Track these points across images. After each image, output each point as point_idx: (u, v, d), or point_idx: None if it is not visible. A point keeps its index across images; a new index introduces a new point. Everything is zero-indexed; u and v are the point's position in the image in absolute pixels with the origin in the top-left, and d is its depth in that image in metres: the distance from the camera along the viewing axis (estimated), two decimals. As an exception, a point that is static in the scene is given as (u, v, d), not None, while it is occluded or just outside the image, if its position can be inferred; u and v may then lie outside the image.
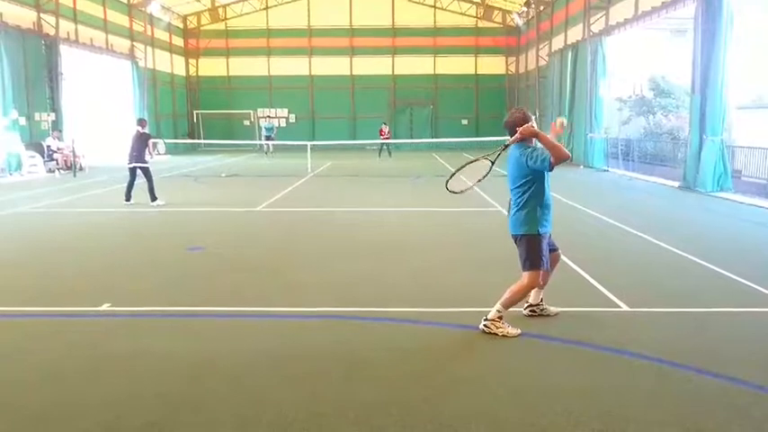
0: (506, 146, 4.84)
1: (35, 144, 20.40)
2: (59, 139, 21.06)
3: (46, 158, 20.43)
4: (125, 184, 12.79)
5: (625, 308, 5.57)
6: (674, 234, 9.04)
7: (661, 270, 7.06)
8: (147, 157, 12.67)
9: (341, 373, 4.21)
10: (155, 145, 12.42)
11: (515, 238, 4.94)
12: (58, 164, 20.41)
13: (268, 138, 29.55)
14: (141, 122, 12.93)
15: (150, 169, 12.74)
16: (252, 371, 4.27)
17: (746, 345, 4.74)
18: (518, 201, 4.87)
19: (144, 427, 3.44)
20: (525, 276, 4.86)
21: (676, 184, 15.56)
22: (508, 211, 5.06)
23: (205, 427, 3.45)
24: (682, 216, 11.38)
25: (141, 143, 12.58)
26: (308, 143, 22.90)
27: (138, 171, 12.58)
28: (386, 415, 3.56)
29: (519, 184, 4.83)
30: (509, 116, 4.90)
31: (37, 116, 21.16)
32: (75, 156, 19.77)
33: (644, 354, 4.46)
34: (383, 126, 27.98)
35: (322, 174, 19.98)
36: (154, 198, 12.45)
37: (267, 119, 31.16)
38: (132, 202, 12.52)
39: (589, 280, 6.49)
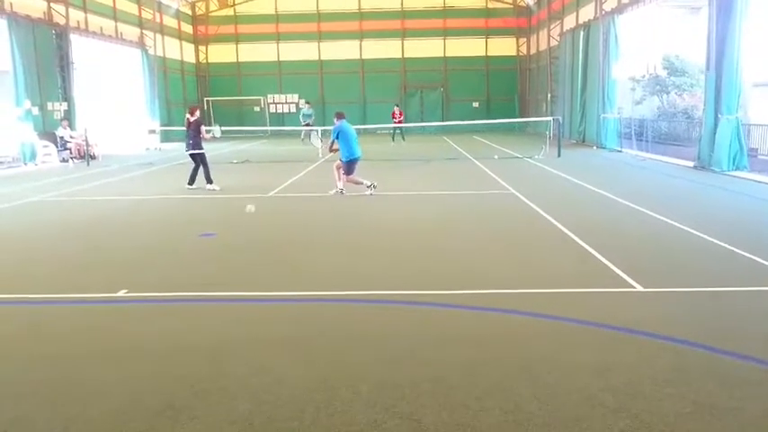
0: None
1: (48, 134, 20.57)
2: (69, 127, 21.19)
3: (59, 148, 20.60)
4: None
5: (640, 288, 5.55)
6: (689, 214, 8.96)
7: (675, 250, 7.02)
8: (203, 142, 12.86)
9: (355, 354, 4.25)
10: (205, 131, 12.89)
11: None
12: (71, 153, 20.57)
13: (307, 124, 28.34)
14: (190, 110, 13.16)
15: (206, 155, 12.95)
16: (268, 353, 4.32)
17: (762, 323, 4.71)
18: None
19: (162, 408, 3.50)
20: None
21: (691, 163, 15.37)
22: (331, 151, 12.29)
23: (223, 409, 3.50)
24: (696, 196, 11.27)
25: (194, 130, 12.83)
26: (319, 128, 22.84)
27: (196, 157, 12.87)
28: (398, 394, 3.59)
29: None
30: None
31: (49, 106, 21.29)
32: (87, 145, 19.92)
33: (658, 333, 4.45)
34: (395, 108, 27.70)
35: (333, 159, 19.89)
36: (210, 181, 12.71)
37: (307, 105, 29.53)
38: (194, 186, 12.77)
39: (603, 261, 6.46)
